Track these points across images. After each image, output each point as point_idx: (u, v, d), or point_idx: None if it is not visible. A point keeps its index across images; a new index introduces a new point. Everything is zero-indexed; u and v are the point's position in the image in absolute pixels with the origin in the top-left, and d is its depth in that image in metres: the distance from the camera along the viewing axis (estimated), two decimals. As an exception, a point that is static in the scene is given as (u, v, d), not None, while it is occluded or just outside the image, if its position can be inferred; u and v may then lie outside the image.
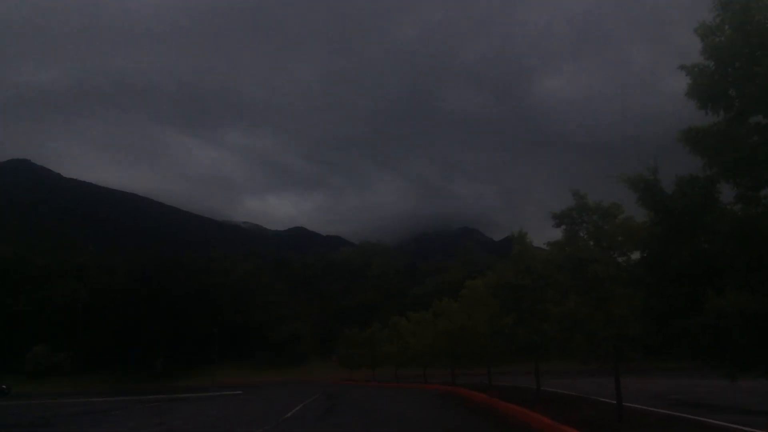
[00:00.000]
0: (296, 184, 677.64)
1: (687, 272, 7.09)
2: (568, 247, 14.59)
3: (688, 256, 7.08)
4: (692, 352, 7.64)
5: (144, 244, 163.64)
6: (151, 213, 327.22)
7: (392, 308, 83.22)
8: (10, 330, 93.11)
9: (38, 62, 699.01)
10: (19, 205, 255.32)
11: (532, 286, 20.24)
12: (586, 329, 14.14)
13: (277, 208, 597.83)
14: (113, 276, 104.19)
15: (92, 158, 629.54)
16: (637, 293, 8.53)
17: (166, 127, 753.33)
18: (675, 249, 7.22)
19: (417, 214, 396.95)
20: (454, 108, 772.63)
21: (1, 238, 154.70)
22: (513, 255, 21.27)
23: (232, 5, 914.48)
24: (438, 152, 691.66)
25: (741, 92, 7.09)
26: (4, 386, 56.94)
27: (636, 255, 14.16)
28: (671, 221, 7.27)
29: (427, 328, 39.79)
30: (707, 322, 6.62)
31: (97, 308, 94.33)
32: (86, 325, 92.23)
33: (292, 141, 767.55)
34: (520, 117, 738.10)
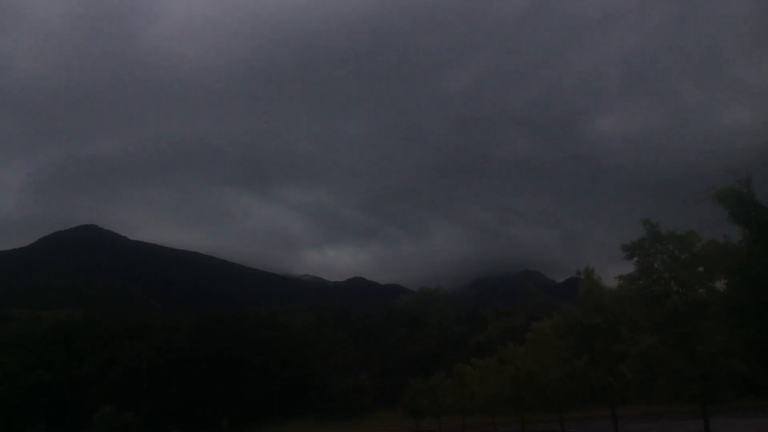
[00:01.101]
0: (353, 235, 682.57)
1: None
2: (642, 281, 13.64)
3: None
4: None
5: (208, 302, 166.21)
6: (215, 271, 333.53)
7: (455, 355, 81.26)
8: (78, 392, 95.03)
9: (103, 132, 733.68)
10: (88, 269, 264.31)
11: (603, 326, 19.13)
12: (669, 369, 13.04)
13: (336, 260, 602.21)
14: (177, 334, 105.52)
15: (157, 221, 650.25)
16: (736, 324, 7.53)
17: (227, 187, 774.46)
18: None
19: (475, 260, 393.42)
20: (507, 154, 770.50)
21: (70, 301, 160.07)
22: (581, 293, 20.24)
23: (284, 65, 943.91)
24: (493, 198, 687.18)
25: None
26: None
27: (721, 285, 13.17)
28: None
29: (492, 374, 38.39)
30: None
31: (162, 367, 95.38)
32: (152, 384, 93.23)
33: (348, 194, 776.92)
34: (574, 158, 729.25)
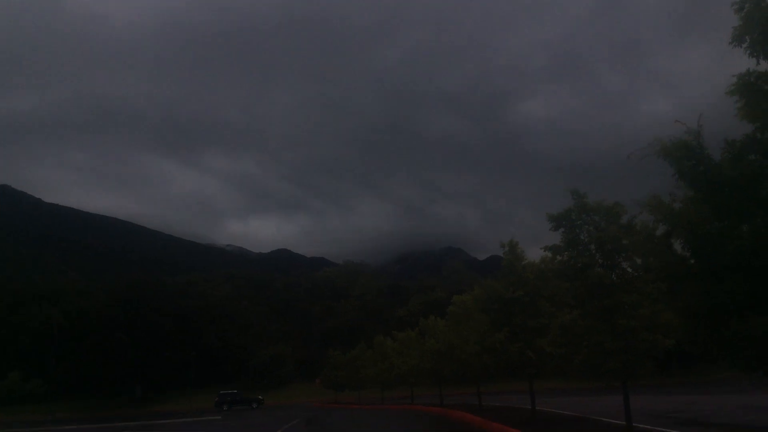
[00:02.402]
0: (279, 206, 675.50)
1: (748, 260, 5.66)
2: (567, 251, 13.21)
3: (749, 240, 5.64)
4: (755, 359, 6.18)
5: (126, 269, 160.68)
6: (134, 238, 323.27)
7: (377, 329, 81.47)
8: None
9: (19, 88, 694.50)
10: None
11: (524, 299, 18.85)
12: (590, 343, 12.70)
13: (261, 231, 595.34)
14: (90, 300, 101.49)
15: (73, 184, 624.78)
16: (679, 291, 7.02)
17: (148, 152, 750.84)
18: (729, 231, 5.81)
19: (400, 235, 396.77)
20: (434, 131, 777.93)
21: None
22: (504, 265, 19.89)
23: (213, 32, 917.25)
24: (420, 175, 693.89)
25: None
26: (260, 397, 55.00)
27: (638, 261, 12.91)
28: (722, 197, 5.84)
29: (412, 347, 38.18)
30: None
31: (73, 333, 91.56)
32: (62, 350, 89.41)
33: (275, 164, 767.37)
34: (499, 139, 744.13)
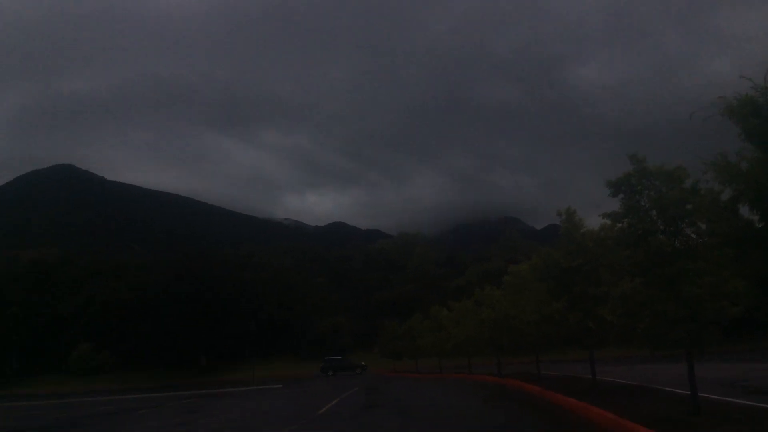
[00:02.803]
0: (334, 180, 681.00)
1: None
2: (627, 218, 12.78)
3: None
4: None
5: (187, 244, 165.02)
6: (194, 213, 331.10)
7: (433, 299, 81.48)
8: (54, 331, 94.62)
9: (80, 70, 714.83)
10: (64, 209, 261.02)
11: (583, 268, 18.43)
12: (652, 312, 12.32)
13: (317, 205, 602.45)
14: (154, 273, 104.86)
15: (135, 162, 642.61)
16: (747, 257, 6.67)
17: (206, 129, 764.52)
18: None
19: (456, 206, 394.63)
20: (489, 100, 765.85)
21: (45, 241, 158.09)
22: (561, 233, 19.48)
23: (265, 9, 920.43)
24: (474, 144, 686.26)
25: None
26: (363, 363, 57.07)
27: (702, 227, 12.40)
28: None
29: (469, 317, 38.07)
30: None
31: (138, 306, 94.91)
32: (128, 323, 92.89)
33: (329, 138, 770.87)
34: (555, 105, 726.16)
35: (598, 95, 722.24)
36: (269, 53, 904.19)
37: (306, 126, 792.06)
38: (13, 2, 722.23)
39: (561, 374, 29.36)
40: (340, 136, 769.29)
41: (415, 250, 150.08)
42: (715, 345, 12.47)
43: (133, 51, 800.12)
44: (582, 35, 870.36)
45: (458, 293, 65.18)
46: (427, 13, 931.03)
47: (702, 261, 11.80)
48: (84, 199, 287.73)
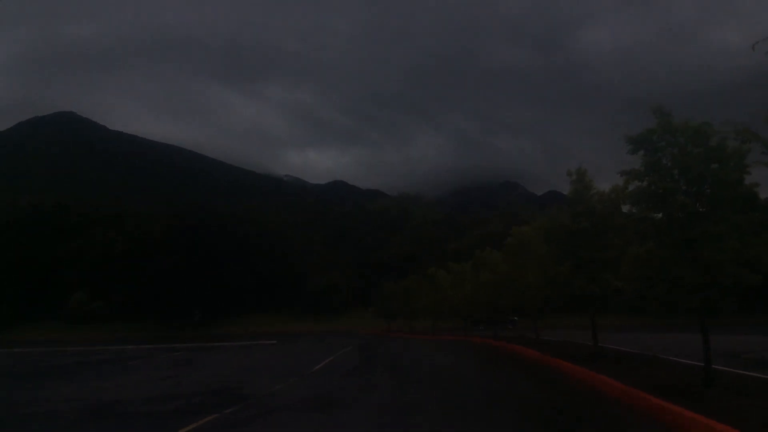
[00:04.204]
0: (336, 138, 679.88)
1: None
2: (647, 177, 11.90)
3: None
4: None
5: (187, 196, 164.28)
6: (194, 165, 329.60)
7: (431, 260, 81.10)
8: (50, 277, 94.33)
9: (82, 17, 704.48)
10: (64, 156, 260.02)
11: (592, 230, 17.62)
12: (668, 277, 11.53)
13: (318, 163, 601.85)
14: (152, 224, 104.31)
15: (137, 111, 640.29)
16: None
17: (209, 81, 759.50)
18: None
19: (457, 169, 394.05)
20: (495, 62, 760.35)
21: (44, 187, 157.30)
22: (569, 195, 18.61)
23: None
24: (479, 107, 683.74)
25: None
26: (515, 318, 56.00)
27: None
28: None
29: (467, 279, 37.51)
30: None
31: (135, 256, 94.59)
32: (124, 272, 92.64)
33: (332, 96, 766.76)
34: (561, 70, 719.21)
35: (605, 61, 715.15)
36: (276, 6, 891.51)
37: (310, 82, 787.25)
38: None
39: (559, 340, 28.82)
40: (344, 93, 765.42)
41: (415, 211, 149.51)
42: (729, 313, 11.76)
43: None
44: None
45: (457, 255, 64.71)
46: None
47: (724, 224, 11.00)
48: (84, 147, 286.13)
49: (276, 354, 31.52)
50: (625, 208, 16.17)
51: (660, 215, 11.97)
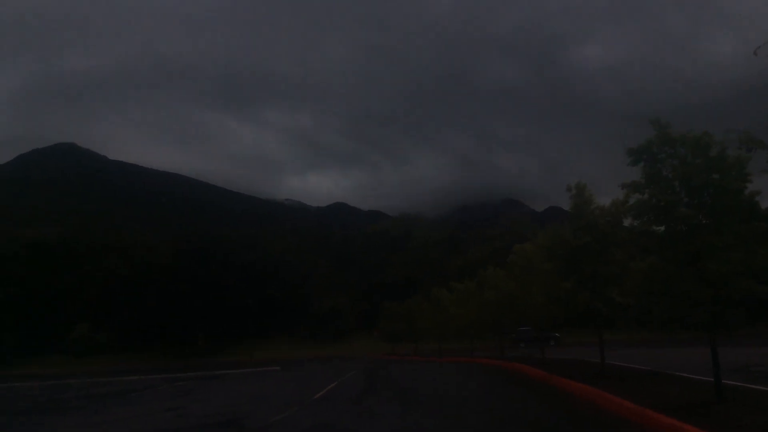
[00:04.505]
0: (336, 161, 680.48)
1: None
2: (648, 189, 11.69)
3: None
4: None
5: (189, 224, 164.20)
6: (195, 193, 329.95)
7: (434, 280, 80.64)
8: (52, 310, 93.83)
9: (82, 48, 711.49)
10: (65, 187, 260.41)
11: (594, 246, 17.37)
12: (673, 291, 11.28)
13: (318, 186, 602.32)
14: (155, 253, 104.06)
15: (137, 141, 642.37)
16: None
17: (208, 108, 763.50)
18: None
19: (457, 187, 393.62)
20: (491, 80, 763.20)
21: (46, 220, 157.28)
22: (570, 210, 18.41)
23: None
24: (476, 125, 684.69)
25: None
26: (557, 334, 55.01)
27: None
28: None
29: (471, 298, 37.10)
30: None
31: (138, 285, 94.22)
32: (128, 302, 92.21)
33: (331, 119, 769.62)
34: (556, 86, 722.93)
35: (600, 76, 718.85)
36: (271, 31, 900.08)
37: (308, 106, 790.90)
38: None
39: (568, 358, 28.41)
40: (342, 116, 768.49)
41: (416, 231, 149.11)
42: (739, 327, 11.49)
43: (135, 28, 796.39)
44: (584, 14, 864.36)
45: (461, 274, 64.30)
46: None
47: (730, 235, 10.77)
48: (86, 178, 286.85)
49: (281, 381, 31.14)
50: (626, 222, 15.99)
51: (662, 228, 11.78)
